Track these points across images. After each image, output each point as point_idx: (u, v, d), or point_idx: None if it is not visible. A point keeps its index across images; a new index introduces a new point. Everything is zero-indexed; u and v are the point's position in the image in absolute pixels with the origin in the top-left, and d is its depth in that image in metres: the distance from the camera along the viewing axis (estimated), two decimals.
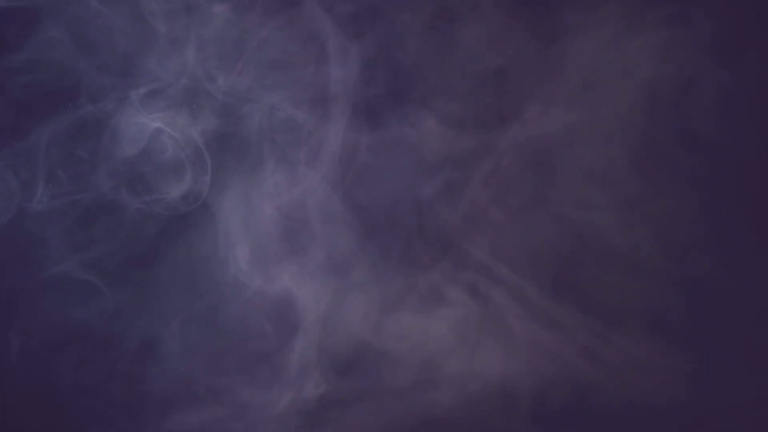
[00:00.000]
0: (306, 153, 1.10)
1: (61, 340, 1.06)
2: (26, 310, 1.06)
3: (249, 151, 1.09)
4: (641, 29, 1.11)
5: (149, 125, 1.07)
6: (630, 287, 1.07)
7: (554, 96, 1.11)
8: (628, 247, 1.08)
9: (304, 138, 1.10)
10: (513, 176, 1.10)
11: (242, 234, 1.08)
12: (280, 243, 1.08)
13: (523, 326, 1.06)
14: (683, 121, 1.10)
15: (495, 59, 1.12)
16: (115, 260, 1.07)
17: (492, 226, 1.09)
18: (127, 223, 1.07)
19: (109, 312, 1.06)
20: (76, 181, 1.06)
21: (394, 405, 1.05)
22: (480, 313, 1.07)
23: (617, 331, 1.06)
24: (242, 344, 1.07)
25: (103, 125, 1.08)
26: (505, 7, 1.12)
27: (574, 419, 1.05)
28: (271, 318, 1.07)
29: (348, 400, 1.05)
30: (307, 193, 1.09)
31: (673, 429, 1.05)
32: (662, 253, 1.08)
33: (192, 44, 1.09)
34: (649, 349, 1.06)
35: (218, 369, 1.06)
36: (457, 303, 1.07)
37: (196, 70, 1.09)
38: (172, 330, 1.06)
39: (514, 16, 1.12)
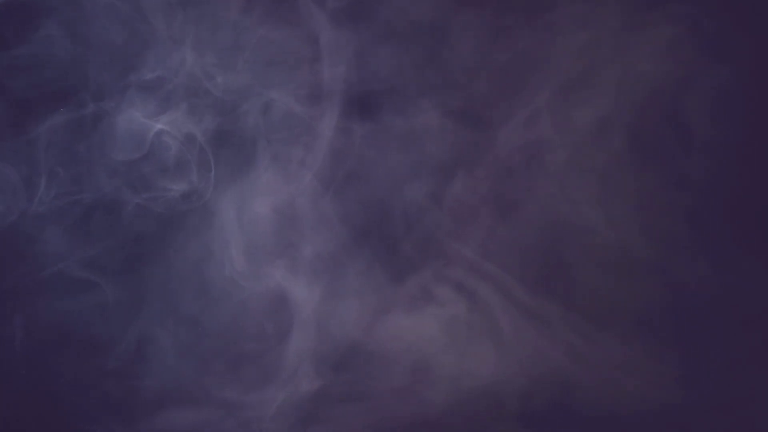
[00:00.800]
0: (301, 151, 1.10)
1: (59, 338, 1.08)
2: (25, 309, 1.08)
3: (245, 150, 1.10)
4: (640, 27, 1.10)
5: (149, 123, 1.08)
6: (620, 288, 1.08)
7: (550, 92, 1.11)
8: (620, 248, 1.09)
9: (299, 136, 1.11)
10: (505, 174, 1.11)
11: (238, 234, 1.09)
12: (274, 243, 1.10)
13: (513, 326, 1.08)
14: (678, 120, 1.09)
15: (491, 55, 1.11)
16: (114, 259, 1.08)
17: (482, 224, 1.10)
18: (127, 222, 1.08)
19: (107, 310, 1.08)
20: (76, 181, 1.07)
21: (386, 404, 1.07)
22: (470, 312, 1.09)
23: (606, 331, 1.07)
24: (236, 344, 1.08)
25: (104, 124, 1.09)
26: (503, 1, 1.11)
27: (561, 420, 1.07)
28: (263, 319, 1.09)
29: (340, 399, 1.07)
30: (300, 192, 1.10)
31: (660, 430, 1.07)
32: (653, 254, 1.08)
33: (191, 42, 1.09)
34: (637, 350, 1.07)
35: (212, 368, 1.08)
36: (448, 302, 1.09)
37: (194, 69, 1.09)
38: (167, 329, 1.08)
39: (511, 11, 1.11)
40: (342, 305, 1.09)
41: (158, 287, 1.09)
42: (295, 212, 1.10)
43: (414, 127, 1.11)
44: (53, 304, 1.07)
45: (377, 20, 1.11)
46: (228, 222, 1.09)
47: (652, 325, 1.08)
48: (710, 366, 1.07)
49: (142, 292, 1.08)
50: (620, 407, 1.06)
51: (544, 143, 1.10)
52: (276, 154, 1.10)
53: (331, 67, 1.11)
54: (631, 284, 1.08)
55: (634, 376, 1.06)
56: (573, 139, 1.10)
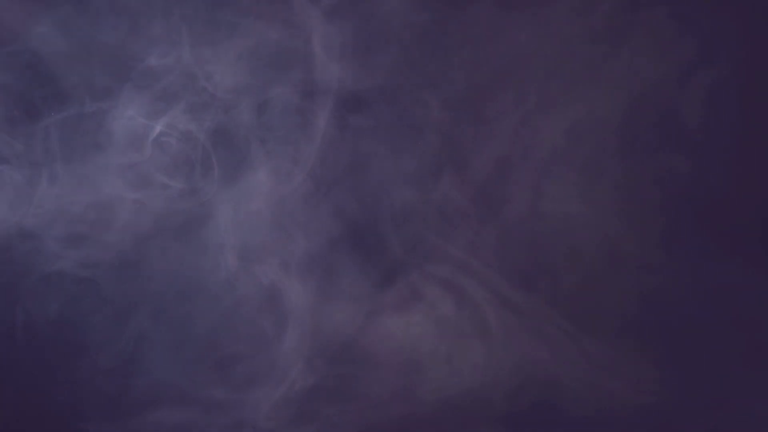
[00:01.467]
0: (295, 149, 1.11)
1: (56, 336, 1.10)
2: (23, 307, 1.10)
3: (241, 149, 1.11)
4: (635, 25, 1.09)
5: (148, 123, 1.09)
6: (608, 288, 1.09)
7: (543, 90, 1.11)
8: (611, 248, 1.09)
9: (295, 134, 1.11)
10: (495, 171, 1.11)
11: (232, 232, 1.11)
12: (268, 241, 1.11)
13: (501, 325, 1.09)
14: (670, 118, 1.09)
15: (483, 52, 1.11)
16: (112, 258, 1.10)
17: (471, 222, 1.11)
18: (126, 222, 1.10)
19: (104, 309, 1.10)
20: (76, 180, 1.09)
21: (377, 403, 1.09)
22: (458, 311, 1.10)
23: (593, 331, 1.08)
24: (229, 343, 1.10)
25: (103, 123, 1.10)
26: None
27: (547, 420, 1.08)
28: (256, 318, 1.10)
29: (332, 399, 1.09)
30: (294, 191, 1.11)
31: (647, 430, 1.08)
32: (643, 254, 1.09)
33: (188, 41, 1.10)
34: (624, 350, 1.08)
35: (206, 367, 1.10)
36: (437, 302, 1.10)
37: (192, 67, 1.10)
38: (161, 327, 1.10)
39: (505, 7, 1.11)
40: (334, 305, 1.10)
41: (154, 286, 1.10)
42: (288, 211, 1.11)
43: (407, 124, 1.11)
44: (51, 302, 1.09)
45: (371, 17, 1.11)
46: (223, 221, 1.11)
47: (639, 325, 1.08)
48: (697, 366, 1.08)
49: (138, 291, 1.10)
50: (607, 407, 1.07)
51: (534, 141, 1.10)
52: (271, 152, 1.11)
53: (326, 64, 1.11)
54: (619, 284, 1.09)
55: (621, 377, 1.07)
56: (565, 136, 1.10)
